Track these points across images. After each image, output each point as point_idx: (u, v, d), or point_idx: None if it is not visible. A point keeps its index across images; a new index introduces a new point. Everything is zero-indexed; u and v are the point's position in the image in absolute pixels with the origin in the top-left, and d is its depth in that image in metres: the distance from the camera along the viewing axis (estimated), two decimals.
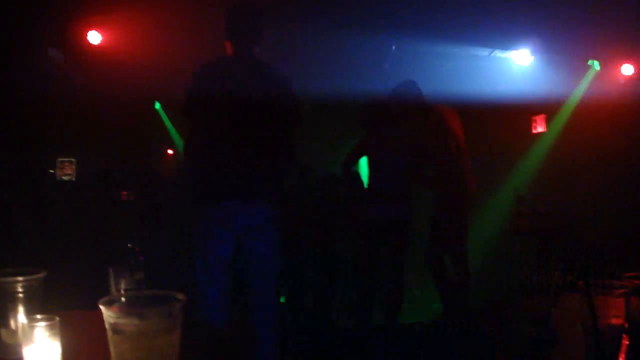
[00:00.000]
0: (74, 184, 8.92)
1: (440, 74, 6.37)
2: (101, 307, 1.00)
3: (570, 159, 6.67)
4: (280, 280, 3.10)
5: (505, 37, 6.27)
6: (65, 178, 9.09)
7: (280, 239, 2.97)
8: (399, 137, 4.43)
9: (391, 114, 4.49)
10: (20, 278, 1.34)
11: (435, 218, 4.49)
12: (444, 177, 4.42)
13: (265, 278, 2.94)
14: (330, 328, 5.51)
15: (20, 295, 1.35)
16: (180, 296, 1.04)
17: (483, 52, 6.65)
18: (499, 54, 6.69)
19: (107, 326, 1.00)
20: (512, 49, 6.57)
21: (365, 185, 4.59)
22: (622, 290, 1.38)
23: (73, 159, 9.22)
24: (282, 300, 5.45)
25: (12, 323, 1.35)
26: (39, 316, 1.21)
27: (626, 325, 1.40)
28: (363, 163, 4.79)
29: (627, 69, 6.63)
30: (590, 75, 6.98)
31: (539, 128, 7.63)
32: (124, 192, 6.14)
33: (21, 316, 1.34)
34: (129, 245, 1.63)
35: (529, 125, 7.77)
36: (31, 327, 1.18)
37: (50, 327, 1.19)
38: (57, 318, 1.21)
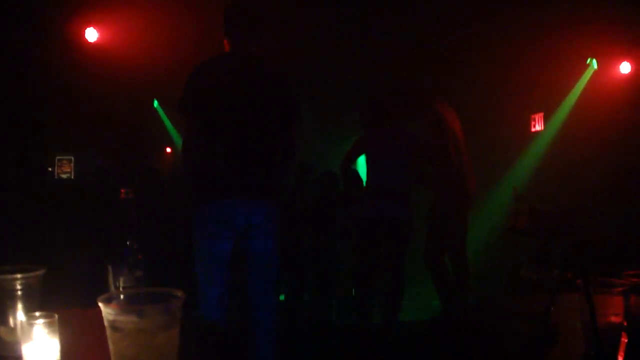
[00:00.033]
0: (73, 181, 8.92)
1: None
2: (100, 304, 0.99)
3: (568, 157, 6.69)
4: (280, 279, 3.10)
5: None
6: (63, 176, 9.10)
7: (279, 237, 2.97)
8: (398, 135, 4.43)
9: (390, 113, 4.49)
10: (19, 275, 1.33)
11: (435, 216, 4.49)
12: (443, 175, 4.42)
13: (265, 276, 2.94)
14: (329, 326, 5.51)
15: (19, 292, 1.34)
16: (179, 293, 1.04)
17: None
18: None
19: (106, 323, 1.00)
20: None
21: (364, 184, 4.59)
22: (621, 288, 1.38)
23: (71, 157, 9.23)
24: (281, 298, 5.45)
25: (11, 320, 1.34)
26: (37, 313, 1.21)
27: (625, 323, 1.40)
28: (362, 162, 4.79)
29: (625, 67, 6.64)
30: (588, 74, 6.99)
31: (538, 126, 7.64)
32: (123, 190, 6.12)
33: (20, 314, 1.34)
34: (127, 242, 1.63)
35: (527, 124, 7.78)
36: (30, 324, 1.18)
37: (49, 325, 1.19)
38: (56, 315, 1.21)
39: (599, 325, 1.31)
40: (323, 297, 5.61)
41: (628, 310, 1.40)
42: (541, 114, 7.60)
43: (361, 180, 4.85)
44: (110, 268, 1.60)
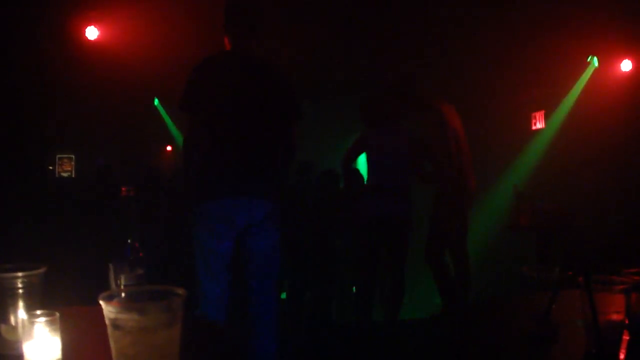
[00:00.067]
0: (74, 180, 8.92)
1: None
2: (101, 302, 0.99)
3: (569, 155, 6.68)
4: (281, 277, 3.10)
5: None
6: (64, 174, 9.09)
7: (280, 235, 2.97)
8: (398, 134, 4.43)
9: (391, 111, 4.48)
10: (20, 274, 1.33)
11: (436, 215, 4.49)
12: (444, 174, 4.42)
13: (266, 275, 2.94)
14: (331, 324, 5.51)
15: (20, 291, 1.34)
16: (180, 291, 1.04)
17: None
18: None
19: (107, 321, 1.00)
20: None
21: (365, 182, 4.59)
22: (622, 286, 1.38)
23: (72, 156, 9.22)
24: (283, 296, 5.45)
25: (12, 319, 1.34)
26: (39, 312, 1.21)
27: (626, 321, 1.40)
28: (362, 160, 4.79)
29: (626, 65, 6.63)
30: (589, 71, 6.98)
31: (538, 124, 7.63)
32: (124, 188, 6.14)
33: (21, 312, 1.34)
34: (128, 240, 1.63)
35: (528, 122, 7.77)
36: (31, 322, 1.18)
37: (50, 323, 1.19)
38: (57, 313, 1.21)
39: (600, 323, 1.31)
40: (324, 295, 5.61)
41: (629, 308, 1.41)
42: (542, 112, 7.60)
43: (362, 177, 4.85)
44: (111, 266, 1.60)
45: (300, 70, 5.84)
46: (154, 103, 9.40)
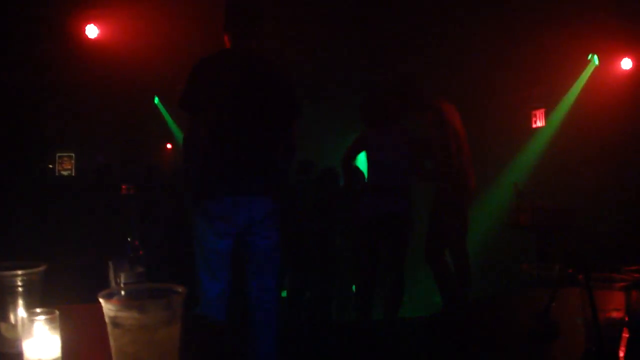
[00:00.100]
0: (74, 178, 8.93)
1: None
2: (101, 300, 0.99)
3: (569, 153, 6.68)
4: (281, 276, 3.10)
5: None
6: (64, 173, 9.10)
7: (280, 234, 2.97)
8: (398, 133, 4.42)
9: (391, 110, 4.48)
10: (19, 272, 1.33)
11: (436, 213, 4.49)
12: (444, 173, 4.41)
13: (266, 273, 2.94)
14: (330, 323, 5.51)
15: (20, 288, 1.34)
16: (180, 289, 1.04)
17: None
18: None
19: (107, 319, 1.00)
20: None
21: (366, 179, 4.59)
22: (622, 284, 1.38)
23: (72, 154, 9.23)
24: (283, 294, 5.45)
25: (12, 317, 1.34)
26: (38, 310, 1.21)
27: (626, 318, 1.40)
28: (361, 158, 4.79)
29: (626, 63, 6.63)
30: (589, 70, 6.98)
31: (539, 122, 7.63)
32: (124, 186, 6.14)
33: (21, 310, 1.34)
34: (128, 239, 1.63)
35: (528, 120, 7.77)
36: (31, 320, 1.18)
37: (50, 321, 1.19)
38: (57, 312, 1.21)
39: (600, 320, 1.31)
40: (323, 294, 5.61)
41: (629, 306, 1.41)
42: (542, 110, 7.59)
43: (363, 174, 4.84)
44: (111, 264, 1.60)
45: (300, 70, 5.84)
46: (154, 101, 9.40)
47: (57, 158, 9.16)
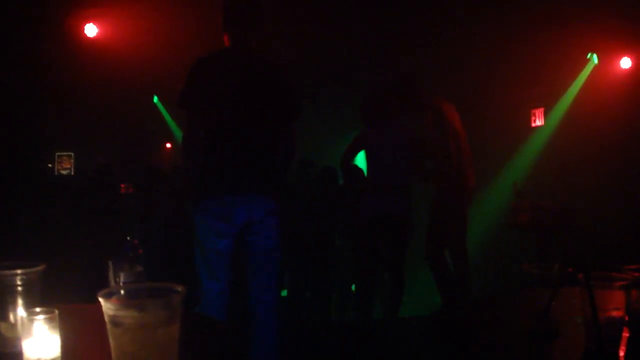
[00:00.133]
0: (73, 177, 8.92)
1: None
2: (100, 299, 0.99)
3: (568, 153, 6.68)
4: (281, 276, 3.09)
5: None
6: (63, 172, 9.09)
7: (280, 234, 2.96)
8: (398, 132, 4.42)
9: (390, 109, 4.48)
10: (19, 271, 1.33)
11: (435, 213, 4.49)
12: (444, 171, 4.41)
13: (266, 272, 2.94)
14: (330, 323, 5.51)
15: (20, 288, 1.34)
16: (179, 288, 1.03)
17: None
18: None
19: (106, 319, 1.00)
20: None
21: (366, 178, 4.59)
22: (622, 283, 1.38)
23: (71, 153, 9.22)
24: (284, 294, 5.45)
25: (11, 316, 1.34)
26: (38, 309, 1.21)
27: (626, 317, 1.40)
28: (361, 157, 4.79)
29: (626, 62, 6.63)
30: (588, 69, 6.98)
31: (538, 121, 7.63)
32: (123, 185, 6.13)
33: (20, 309, 1.34)
34: (128, 238, 1.62)
35: (528, 119, 7.77)
36: (30, 320, 1.18)
37: (50, 320, 1.19)
38: (56, 311, 1.21)
39: (600, 320, 1.31)
40: (323, 294, 5.61)
41: (629, 305, 1.40)
42: (542, 109, 7.59)
43: (362, 172, 4.84)
44: (110, 263, 1.60)
45: (300, 70, 5.83)
46: (153, 100, 9.39)
47: (56, 157, 9.16)
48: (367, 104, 4.58)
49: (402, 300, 4.51)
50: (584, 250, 1.45)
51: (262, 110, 2.90)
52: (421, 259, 4.50)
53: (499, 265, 6.33)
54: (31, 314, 1.19)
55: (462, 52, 6.69)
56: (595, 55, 6.83)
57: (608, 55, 6.72)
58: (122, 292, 1.09)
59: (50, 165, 9.01)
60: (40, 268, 1.36)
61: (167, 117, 9.60)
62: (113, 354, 1.01)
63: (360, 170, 5.19)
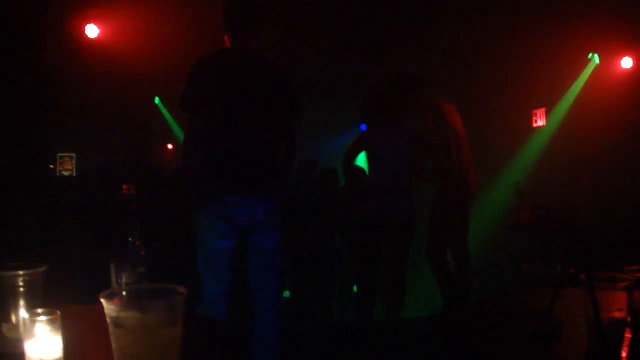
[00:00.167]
0: (74, 178, 8.93)
1: None
2: (102, 300, 0.99)
3: (569, 152, 6.68)
4: (283, 276, 3.09)
5: None
6: (65, 173, 9.10)
7: (281, 234, 2.96)
8: (399, 132, 4.42)
9: (391, 109, 4.48)
10: (21, 272, 1.33)
11: (436, 213, 4.48)
12: (445, 172, 4.41)
13: (268, 273, 2.94)
14: (331, 323, 5.51)
15: (21, 289, 1.34)
16: (181, 289, 1.04)
17: None
18: None
19: (108, 320, 1.00)
20: None
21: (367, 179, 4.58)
22: (624, 284, 1.38)
23: (73, 154, 9.23)
24: (286, 294, 5.45)
25: (14, 317, 1.34)
26: (40, 310, 1.21)
27: (629, 318, 1.40)
28: (362, 157, 4.78)
29: (627, 62, 6.63)
30: (590, 69, 6.98)
31: (539, 122, 7.62)
32: (125, 186, 6.12)
33: (22, 310, 1.34)
34: (130, 239, 1.62)
35: (529, 119, 7.76)
36: (32, 321, 1.18)
37: (52, 321, 1.19)
38: (58, 312, 1.21)
39: (602, 320, 1.31)
40: (325, 294, 5.61)
41: (631, 306, 1.40)
42: (543, 109, 7.59)
43: (364, 172, 4.83)
44: (112, 264, 1.60)
45: (300, 70, 5.83)
46: (154, 101, 9.40)
47: (57, 158, 9.17)
48: (368, 104, 4.58)
49: (404, 300, 4.51)
50: (585, 251, 1.44)
51: (262, 111, 2.90)
52: (423, 259, 4.50)
53: (499, 265, 6.32)
54: (33, 314, 1.19)
55: (462, 52, 6.69)
56: (596, 55, 6.83)
57: (609, 55, 6.72)
58: (124, 293, 1.09)
59: (51, 166, 9.01)
60: (42, 269, 1.36)
61: (169, 117, 9.61)
62: (115, 355, 1.01)
63: (361, 170, 5.19)
